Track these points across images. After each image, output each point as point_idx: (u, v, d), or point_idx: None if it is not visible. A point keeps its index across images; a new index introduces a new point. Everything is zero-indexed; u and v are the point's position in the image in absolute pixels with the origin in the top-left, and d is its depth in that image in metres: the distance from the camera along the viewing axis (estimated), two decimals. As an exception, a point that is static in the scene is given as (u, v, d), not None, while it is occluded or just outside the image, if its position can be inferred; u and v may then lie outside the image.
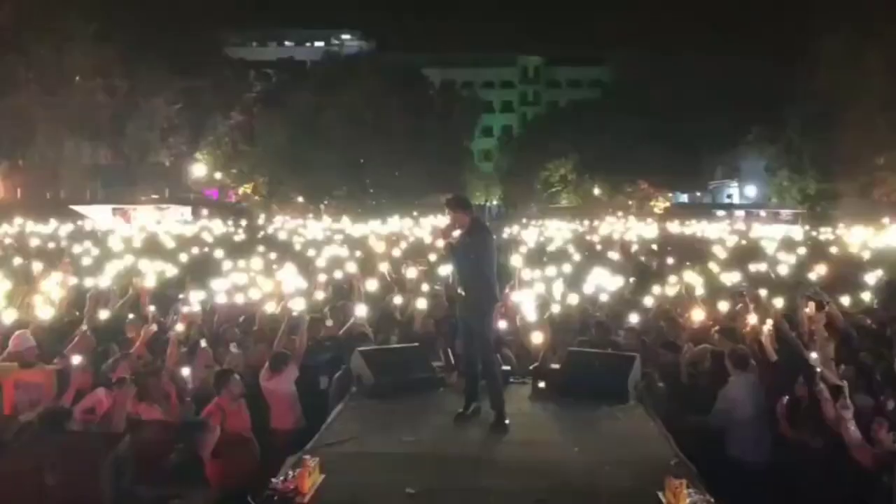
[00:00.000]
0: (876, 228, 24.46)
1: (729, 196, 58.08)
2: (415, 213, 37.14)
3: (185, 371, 7.21)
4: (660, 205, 61.14)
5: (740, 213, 45.17)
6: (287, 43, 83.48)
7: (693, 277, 10.20)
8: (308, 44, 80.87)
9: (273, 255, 15.44)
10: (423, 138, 50.05)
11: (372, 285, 10.89)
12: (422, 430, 6.41)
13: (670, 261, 12.64)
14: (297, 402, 7.76)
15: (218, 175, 52.93)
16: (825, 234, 22.88)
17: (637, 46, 60.74)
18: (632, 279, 11.06)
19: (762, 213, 43.60)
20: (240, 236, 23.39)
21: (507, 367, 7.89)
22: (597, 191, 61.78)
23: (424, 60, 63.61)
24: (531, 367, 7.85)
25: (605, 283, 10.60)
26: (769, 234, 22.40)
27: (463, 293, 6.78)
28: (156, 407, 6.76)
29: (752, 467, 6.76)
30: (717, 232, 23.61)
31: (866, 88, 36.94)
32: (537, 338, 8.56)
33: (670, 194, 63.03)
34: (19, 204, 34.90)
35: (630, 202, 59.41)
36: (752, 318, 7.70)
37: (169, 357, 7.45)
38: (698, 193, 63.07)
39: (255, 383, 7.82)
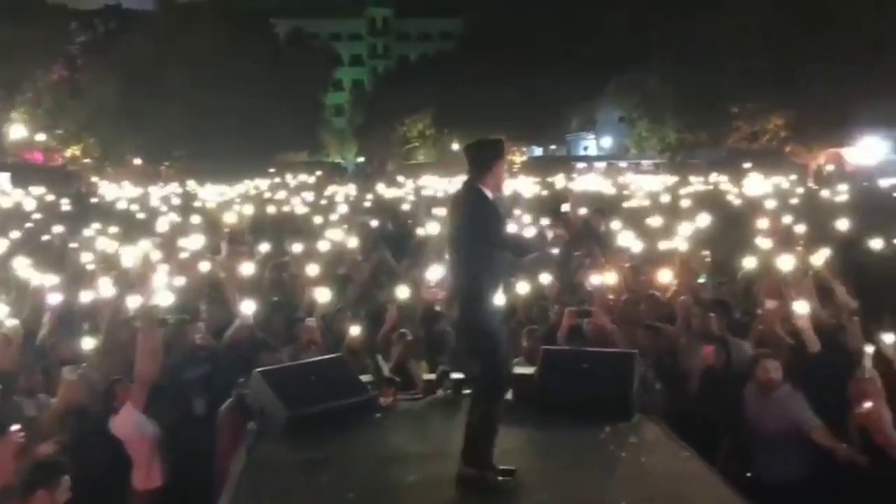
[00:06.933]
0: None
1: (585, 148, 58.30)
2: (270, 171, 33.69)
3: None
4: (517, 158, 60.74)
5: (601, 164, 45.02)
6: (114, -11, 75.98)
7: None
8: (139, -10, 73.96)
9: (114, 230, 12.58)
10: (272, 92, 46.50)
11: (248, 269, 8.57)
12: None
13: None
14: (151, 449, 5.47)
15: (42, 136, 47.10)
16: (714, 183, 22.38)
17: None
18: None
19: (623, 163, 43.62)
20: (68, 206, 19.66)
21: (461, 375, 5.94)
22: (455, 146, 60.54)
23: (267, 9, 59.35)
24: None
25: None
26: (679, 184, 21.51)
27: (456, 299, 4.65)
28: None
29: (781, 490, 5.25)
30: (607, 186, 22.47)
31: (721, 36, 37.23)
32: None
33: (524, 148, 62.70)
34: None
35: (488, 156, 58.57)
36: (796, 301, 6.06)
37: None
38: (553, 147, 63.04)
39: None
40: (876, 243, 9.11)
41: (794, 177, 26.46)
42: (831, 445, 4.92)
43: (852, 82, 32.90)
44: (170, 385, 6.11)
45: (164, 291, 6.72)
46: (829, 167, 36.01)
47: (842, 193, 17.59)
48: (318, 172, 35.20)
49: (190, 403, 6.15)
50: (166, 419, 5.74)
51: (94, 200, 22.35)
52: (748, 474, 5.43)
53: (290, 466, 4.74)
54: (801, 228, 10.40)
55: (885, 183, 24.08)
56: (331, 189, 23.60)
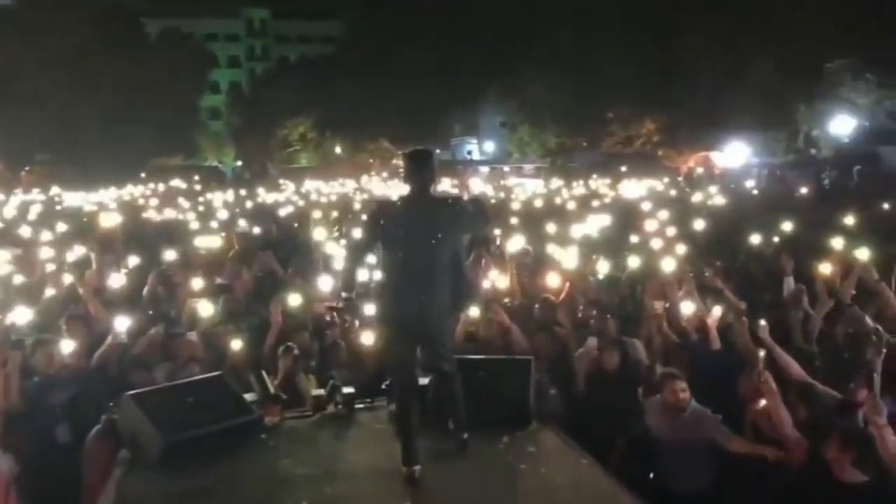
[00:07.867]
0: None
1: (469, 152, 58.80)
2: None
3: None
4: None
5: (485, 168, 45.55)
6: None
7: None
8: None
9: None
10: (145, 94, 44.40)
11: (118, 281, 7.98)
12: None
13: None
14: (6, 485, 4.89)
15: None
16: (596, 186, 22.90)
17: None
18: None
19: (506, 168, 44.32)
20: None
21: (351, 389, 5.65)
22: (338, 149, 59.76)
23: (138, 8, 56.72)
24: (385, 385, 5.65)
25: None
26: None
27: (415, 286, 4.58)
28: None
29: (690, 498, 5.23)
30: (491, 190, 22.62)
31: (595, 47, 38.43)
32: (369, 339, 6.40)
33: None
34: None
35: (371, 160, 58.20)
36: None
37: None
38: (438, 151, 63.34)
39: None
40: (755, 238, 9.47)
41: (666, 179, 27.61)
42: (753, 453, 4.90)
43: (719, 90, 34.74)
44: (28, 412, 5.55)
45: (21, 308, 6.09)
46: (699, 170, 37.80)
47: (713, 195, 18.37)
48: (196, 177, 33.82)
49: (52, 431, 5.61)
50: (25, 450, 5.20)
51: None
52: (651, 475, 5.43)
53: (166, 498, 4.33)
54: (675, 230, 10.70)
55: (749, 184, 25.45)
56: (209, 194, 22.73)
